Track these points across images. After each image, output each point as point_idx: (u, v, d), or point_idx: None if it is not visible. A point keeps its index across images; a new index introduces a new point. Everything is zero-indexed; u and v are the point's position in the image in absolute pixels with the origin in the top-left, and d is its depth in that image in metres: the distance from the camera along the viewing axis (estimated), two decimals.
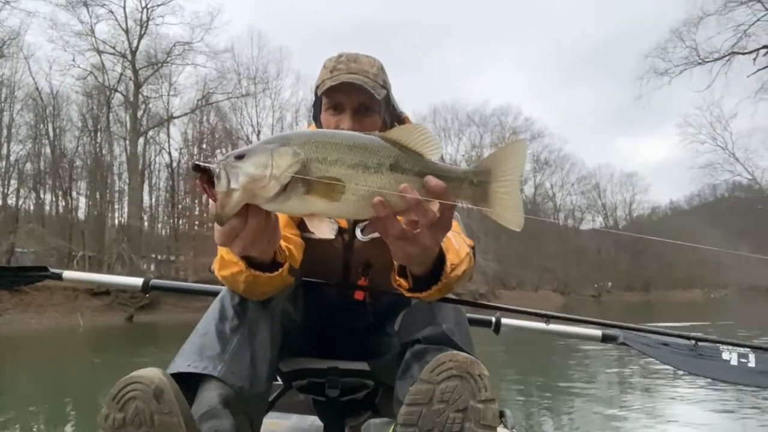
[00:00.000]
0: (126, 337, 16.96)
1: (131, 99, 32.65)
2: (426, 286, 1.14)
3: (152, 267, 31.01)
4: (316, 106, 1.52)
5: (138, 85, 32.55)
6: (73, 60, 31.47)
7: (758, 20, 28.58)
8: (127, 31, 32.03)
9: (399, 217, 0.98)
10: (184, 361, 1.14)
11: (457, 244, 1.20)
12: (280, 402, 1.66)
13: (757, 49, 29.36)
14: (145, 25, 32.31)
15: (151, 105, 34.59)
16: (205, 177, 0.91)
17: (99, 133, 33.48)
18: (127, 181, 33.81)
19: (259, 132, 40.14)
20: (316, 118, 1.53)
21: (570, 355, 8.90)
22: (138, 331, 18.74)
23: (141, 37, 32.40)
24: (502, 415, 1.78)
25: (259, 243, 1.02)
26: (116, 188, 34.11)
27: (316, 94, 1.50)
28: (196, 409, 1.07)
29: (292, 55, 50.69)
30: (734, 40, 29.71)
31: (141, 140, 33.95)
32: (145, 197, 35.98)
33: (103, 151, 33.99)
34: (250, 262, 1.12)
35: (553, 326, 2.09)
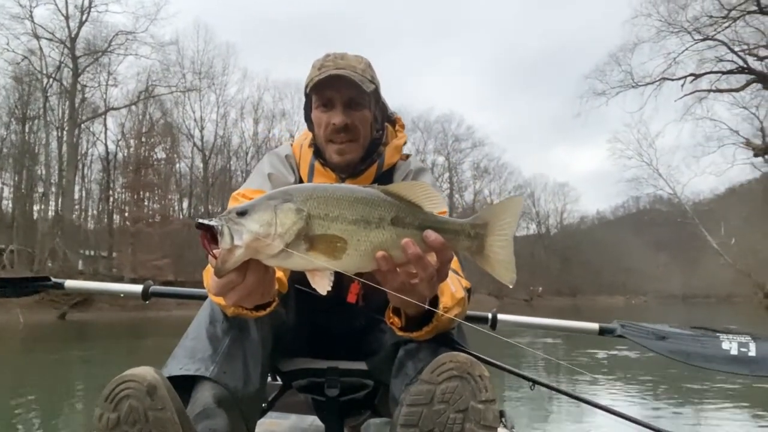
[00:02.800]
0: (58, 335, 16.29)
1: (68, 87, 31.28)
2: (418, 327, 1.15)
3: (80, 263, 29.79)
4: (307, 107, 1.52)
5: (77, 74, 31.20)
6: (8, 44, 29.86)
7: (686, 49, 31.24)
8: (67, 17, 30.66)
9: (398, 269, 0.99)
10: (177, 365, 1.15)
11: (454, 287, 1.19)
12: (280, 402, 1.65)
13: (685, 77, 32.03)
14: (86, 11, 31.07)
15: (87, 94, 33.32)
16: (208, 234, 0.91)
17: (28, 121, 31.89)
18: (56, 171, 32.37)
19: (202, 128, 39.40)
20: (308, 119, 1.53)
21: (569, 352, 8.93)
22: (71, 330, 18.03)
23: (82, 24, 31.12)
24: (501, 415, 1.81)
25: (253, 296, 1.02)
26: (51, 179, 32.52)
27: (306, 94, 1.49)
28: (190, 409, 1.07)
29: (239, 51, 49.99)
30: (665, 67, 32.33)
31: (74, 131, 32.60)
32: (75, 190, 34.54)
33: (33, 140, 32.41)
34: None
35: (550, 321, 2.14)
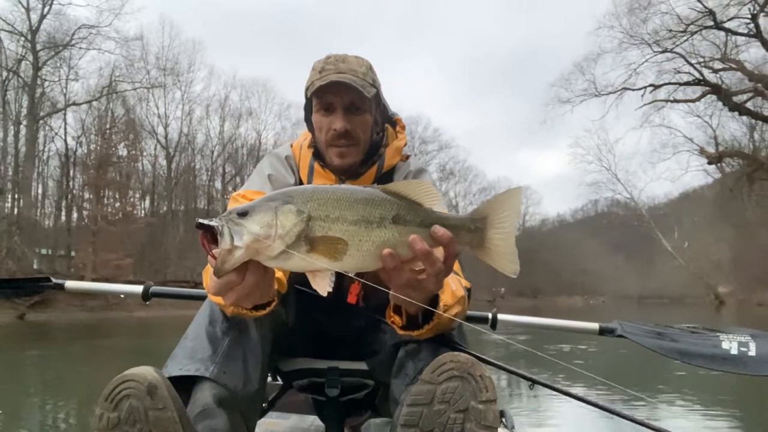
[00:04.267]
0: (17, 336, 15.75)
1: (28, 81, 30.29)
2: (419, 325, 1.15)
3: (35, 263, 28.87)
4: (307, 108, 1.51)
5: (37, 68, 30.25)
6: None
7: (646, 61, 32.65)
8: (28, 9, 29.70)
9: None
10: (176, 366, 1.15)
11: (454, 285, 1.19)
12: (280, 402, 1.65)
13: (645, 87, 33.43)
14: (48, 3, 30.14)
15: (47, 89, 32.32)
16: (207, 234, 0.91)
17: None
18: (13, 166, 31.26)
19: (166, 125, 38.75)
20: (308, 121, 1.53)
21: (569, 352, 8.84)
22: (30, 330, 17.41)
23: (43, 16, 30.19)
24: (502, 415, 1.82)
25: (252, 296, 1.02)
26: (9, 176, 31.31)
27: (306, 96, 1.48)
28: (190, 409, 1.07)
29: (206, 48, 48.95)
30: (626, 77, 33.76)
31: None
32: (32, 186, 33.41)
33: None
34: None
35: (550, 320, 2.14)
